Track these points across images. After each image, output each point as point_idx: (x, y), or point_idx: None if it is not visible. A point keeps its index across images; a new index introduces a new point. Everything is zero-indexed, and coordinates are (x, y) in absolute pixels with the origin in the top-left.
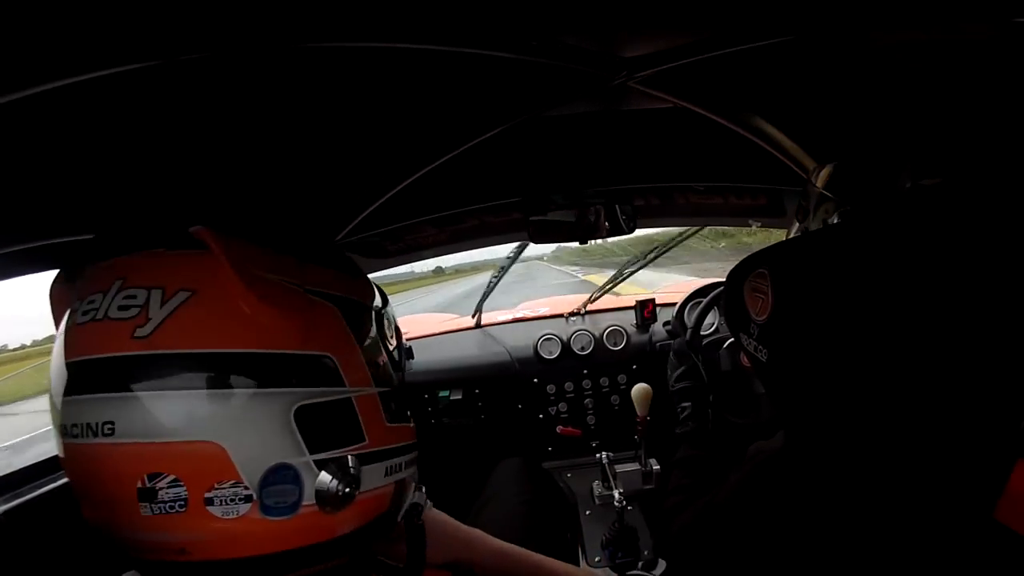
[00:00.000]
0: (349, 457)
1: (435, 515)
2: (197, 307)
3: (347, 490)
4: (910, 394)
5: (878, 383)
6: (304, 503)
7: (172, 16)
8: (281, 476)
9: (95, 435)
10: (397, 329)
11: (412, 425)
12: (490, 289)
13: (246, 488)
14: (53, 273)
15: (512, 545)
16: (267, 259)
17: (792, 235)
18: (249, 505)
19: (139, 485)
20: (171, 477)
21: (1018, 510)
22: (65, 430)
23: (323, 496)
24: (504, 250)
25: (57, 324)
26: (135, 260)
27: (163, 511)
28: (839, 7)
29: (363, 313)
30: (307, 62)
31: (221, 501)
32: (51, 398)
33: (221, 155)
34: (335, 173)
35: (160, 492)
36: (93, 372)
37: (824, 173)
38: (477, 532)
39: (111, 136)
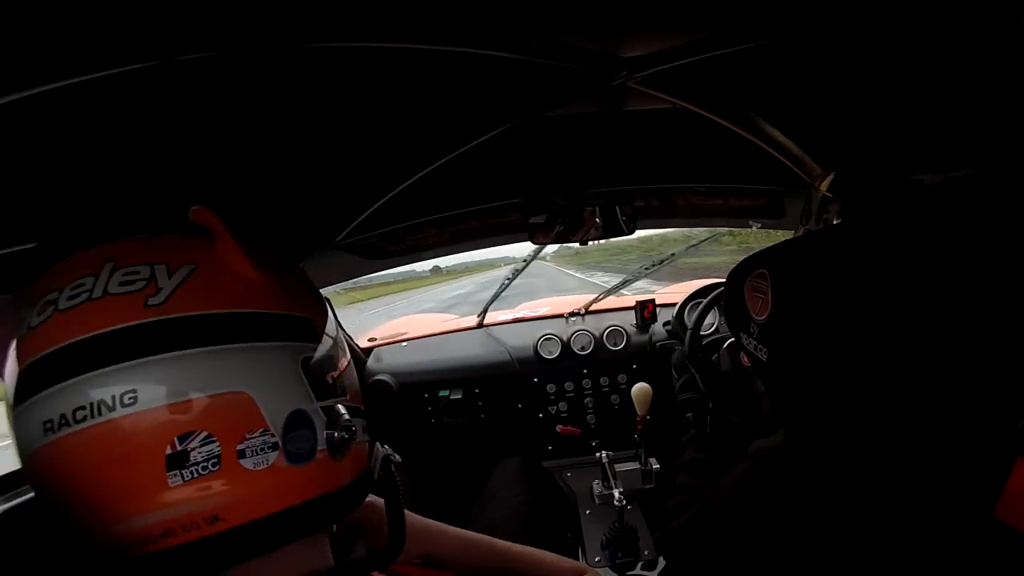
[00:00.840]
0: (341, 406)
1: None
2: (204, 277)
3: (347, 436)
4: (910, 392)
5: (878, 381)
6: (318, 448)
7: (171, 16)
8: (300, 421)
9: (111, 409)
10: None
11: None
12: (501, 289)
13: (272, 436)
14: None
15: (474, 533)
16: (246, 239)
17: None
18: (276, 453)
19: (169, 451)
20: (204, 434)
21: (1018, 508)
22: (65, 421)
23: (331, 441)
24: (501, 251)
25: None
26: (123, 245)
27: (195, 474)
28: (838, 7)
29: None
30: (308, 62)
31: (252, 452)
32: (17, 400)
33: (223, 155)
34: (336, 174)
35: (192, 452)
36: (102, 346)
37: (828, 179)
38: (436, 524)
39: (102, 140)
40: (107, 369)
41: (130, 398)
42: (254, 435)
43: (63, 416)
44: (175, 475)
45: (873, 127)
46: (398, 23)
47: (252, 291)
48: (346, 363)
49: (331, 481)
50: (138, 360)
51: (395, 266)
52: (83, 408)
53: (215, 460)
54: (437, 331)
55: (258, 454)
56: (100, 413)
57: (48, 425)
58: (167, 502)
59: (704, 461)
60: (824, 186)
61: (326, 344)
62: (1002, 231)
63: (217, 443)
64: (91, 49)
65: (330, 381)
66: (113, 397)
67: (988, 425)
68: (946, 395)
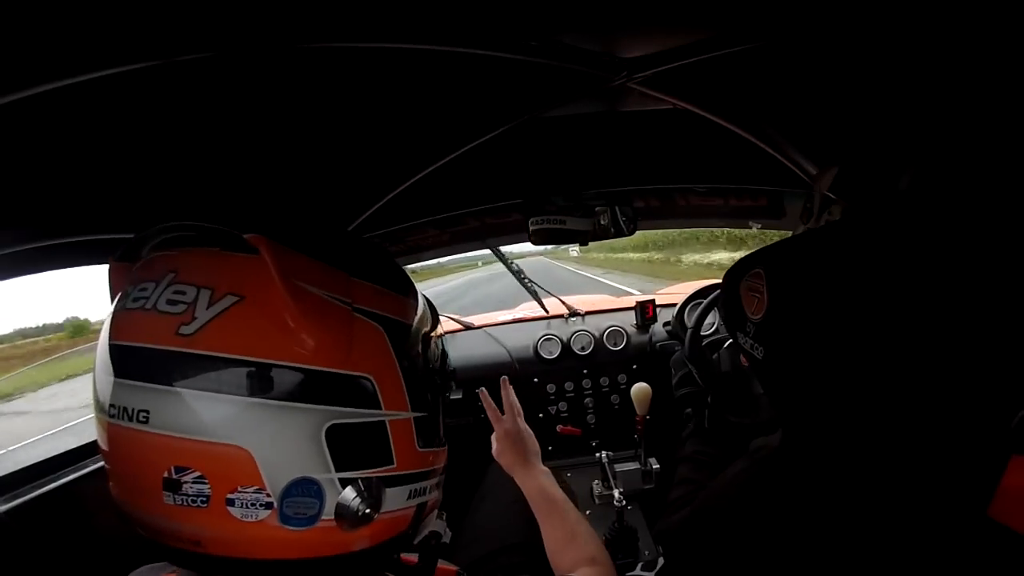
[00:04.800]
0: (374, 479)
1: None
2: (243, 313)
3: (367, 511)
4: (904, 391)
5: (872, 380)
6: (323, 517)
7: (177, 17)
8: (304, 489)
9: (130, 420)
10: (444, 352)
11: (444, 448)
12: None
13: (268, 495)
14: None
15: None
16: (318, 273)
17: None
18: (268, 512)
19: (165, 475)
20: (197, 473)
21: (1011, 507)
22: (106, 409)
23: (343, 513)
24: (482, 251)
25: (114, 298)
26: (190, 256)
27: (184, 503)
28: (838, 8)
29: (409, 335)
30: (309, 63)
31: (242, 504)
32: (95, 374)
33: (222, 156)
34: (337, 174)
35: (184, 485)
36: (135, 359)
37: (828, 175)
38: None
39: (138, 134)
40: (133, 382)
41: (143, 417)
42: (247, 490)
43: (105, 406)
44: (168, 496)
45: (874, 126)
46: (398, 23)
47: (291, 340)
48: (408, 427)
49: (334, 547)
50: (154, 385)
51: None
52: (115, 407)
53: (204, 499)
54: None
55: (248, 508)
56: (122, 418)
57: (105, 407)
58: (160, 512)
59: (706, 454)
60: (825, 184)
61: (374, 410)
62: (998, 231)
63: (208, 485)
64: (109, 48)
65: (369, 449)
66: (133, 409)
67: (983, 423)
68: (941, 393)
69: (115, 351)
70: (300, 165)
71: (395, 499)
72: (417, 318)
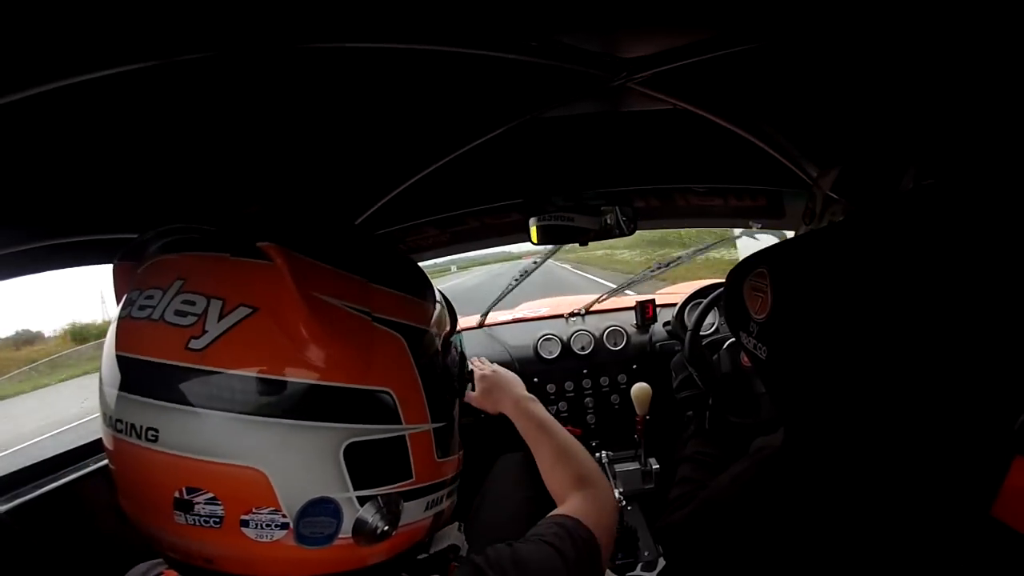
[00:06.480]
0: (392, 494)
1: None
2: (256, 327)
3: (386, 528)
4: (908, 391)
5: (876, 380)
6: (340, 535)
7: (178, 17)
8: (321, 509)
9: (139, 437)
10: (462, 355)
11: (460, 454)
12: (506, 292)
13: (284, 516)
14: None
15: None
16: (334, 282)
17: None
18: (284, 532)
19: (176, 495)
20: (209, 494)
21: (1015, 507)
22: (112, 422)
23: (360, 530)
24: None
25: (119, 300)
26: (198, 262)
27: (197, 523)
28: (839, 9)
29: (430, 343)
30: (309, 63)
31: (257, 525)
32: (100, 383)
33: (222, 156)
34: (336, 175)
35: (196, 506)
36: (143, 373)
37: (830, 176)
38: None
39: (149, 133)
40: (141, 398)
41: (152, 435)
42: (262, 511)
43: (112, 419)
44: (179, 516)
45: (875, 126)
46: (399, 24)
47: (307, 356)
48: (427, 440)
49: (351, 563)
50: (163, 402)
51: None
52: (122, 423)
53: (217, 520)
54: None
55: (263, 528)
56: (130, 435)
57: (110, 420)
58: (171, 531)
59: (707, 455)
60: (827, 184)
61: (395, 425)
62: (999, 232)
63: (221, 506)
64: (109, 48)
65: (388, 466)
66: (141, 427)
67: (986, 424)
68: (944, 394)
69: (122, 363)
70: (299, 166)
71: (413, 512)
72: (435, 321)
